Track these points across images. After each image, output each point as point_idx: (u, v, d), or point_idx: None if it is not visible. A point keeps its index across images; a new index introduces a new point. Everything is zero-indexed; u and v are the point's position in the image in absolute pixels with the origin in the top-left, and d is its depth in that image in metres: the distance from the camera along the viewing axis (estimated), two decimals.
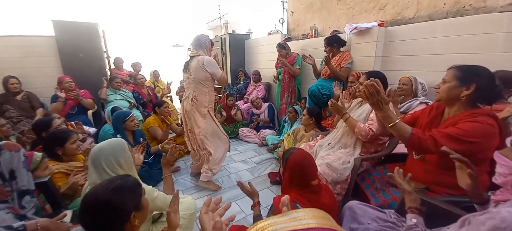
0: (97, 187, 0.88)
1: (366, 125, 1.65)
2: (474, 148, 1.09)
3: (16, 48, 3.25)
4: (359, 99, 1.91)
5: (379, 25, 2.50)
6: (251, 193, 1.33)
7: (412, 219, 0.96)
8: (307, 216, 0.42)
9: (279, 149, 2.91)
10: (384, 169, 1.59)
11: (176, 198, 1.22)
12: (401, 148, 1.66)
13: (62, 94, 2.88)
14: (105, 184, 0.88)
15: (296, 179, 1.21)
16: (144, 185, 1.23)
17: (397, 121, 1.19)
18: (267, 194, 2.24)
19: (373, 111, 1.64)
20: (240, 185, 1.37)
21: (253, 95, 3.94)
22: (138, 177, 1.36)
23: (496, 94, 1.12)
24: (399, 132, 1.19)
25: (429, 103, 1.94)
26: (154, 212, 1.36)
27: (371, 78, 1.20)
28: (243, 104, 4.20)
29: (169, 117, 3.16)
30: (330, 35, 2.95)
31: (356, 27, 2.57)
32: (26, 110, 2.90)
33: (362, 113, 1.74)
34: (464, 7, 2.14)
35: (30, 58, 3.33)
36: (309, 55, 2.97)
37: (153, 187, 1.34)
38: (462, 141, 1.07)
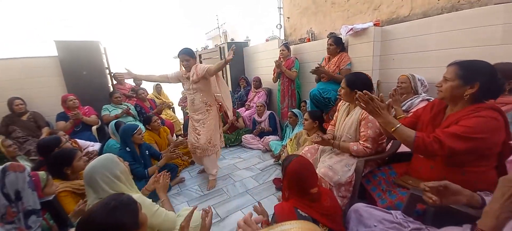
0: (91, 210, 0.83)
1: (360, 143, 1.63)
2: (481, 144, 1.06)
3: (19, 70, 3.32)
4: (345, 103, 1.83)
5: (374, 25, 2.51)
6: (261, 213, 1.33)
7: None
8: (294, 228, 0.42)
9: (283, 154, 2.90)
10: (390, 169, 1.57)
11: (192, 213, 1.22)
12: (406, 147, 1.63)
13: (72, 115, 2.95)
14: (100, 207, 0.82)
15: (295, 187, 1.20)
16: (143, 199, 1.22)
17: (398, 126, 1.19)
18: (273, 201, 2.22)
19: (362, 123, 1.62)
20: (255, 208, 1.37)
21: (259, 101, 3.91)
22: (138, 190, 1.35)
23: (499, 89, 1.10)
24: (402, 136, 1.19)
25: (431, 100, 1.92)
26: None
27: (364, 91, 1.23)
28: (245, 111, 4.21)
29: (165, 128, 3.17)
30: (327, 37, 2.96)
31: (352, 29, 2.58)
32: (32, 130, 2.95)
33: (352, 126, 1.69)
34: (459, 1, 2.14)
35: (34, 78, 3.41)
36: (319, 64, 2.92)
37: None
38: (468, 138, 1.05)
